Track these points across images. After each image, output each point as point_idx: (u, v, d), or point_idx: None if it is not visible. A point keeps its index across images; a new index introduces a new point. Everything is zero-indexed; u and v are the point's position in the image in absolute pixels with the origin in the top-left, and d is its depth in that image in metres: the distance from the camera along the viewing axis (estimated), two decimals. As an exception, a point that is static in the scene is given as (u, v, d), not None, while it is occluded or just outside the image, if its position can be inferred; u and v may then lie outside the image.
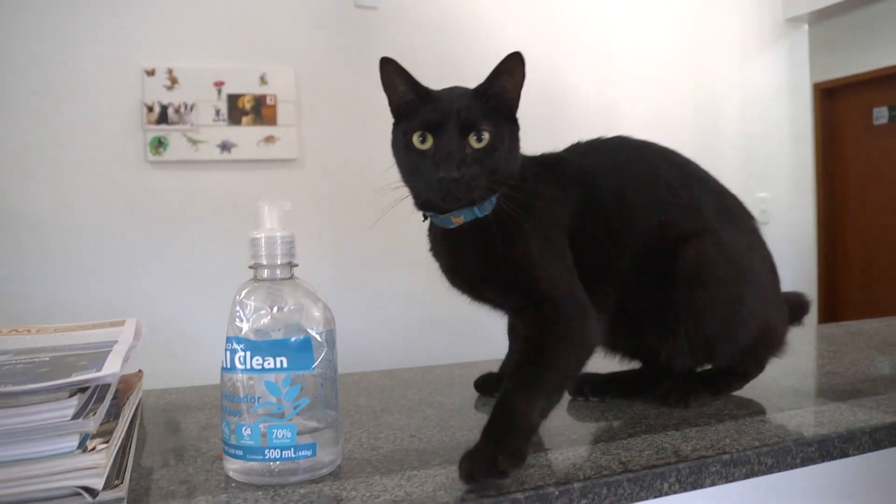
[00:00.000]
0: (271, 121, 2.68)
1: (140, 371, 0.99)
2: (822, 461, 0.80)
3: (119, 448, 0.72)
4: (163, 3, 2.55)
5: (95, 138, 2.47)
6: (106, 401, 0.71)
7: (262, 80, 2.68)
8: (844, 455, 0.81)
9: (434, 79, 0.92)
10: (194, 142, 2.58)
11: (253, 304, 0.70)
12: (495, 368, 1.04)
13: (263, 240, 0.72)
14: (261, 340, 0.69)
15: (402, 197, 0.90)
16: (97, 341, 0.82)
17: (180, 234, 2.55)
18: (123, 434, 0.76)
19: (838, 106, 4.49)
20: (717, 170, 3.65)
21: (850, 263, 4.49)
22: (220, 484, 0.69)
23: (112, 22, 2.48)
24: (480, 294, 0.92)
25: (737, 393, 0.98)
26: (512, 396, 0.74)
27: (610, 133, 2.90)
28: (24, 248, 2.37)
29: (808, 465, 0.79)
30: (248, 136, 2.65)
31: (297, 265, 0.73)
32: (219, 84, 2.61)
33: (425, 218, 0.92)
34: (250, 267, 0.72)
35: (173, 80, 2.55)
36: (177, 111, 2.55)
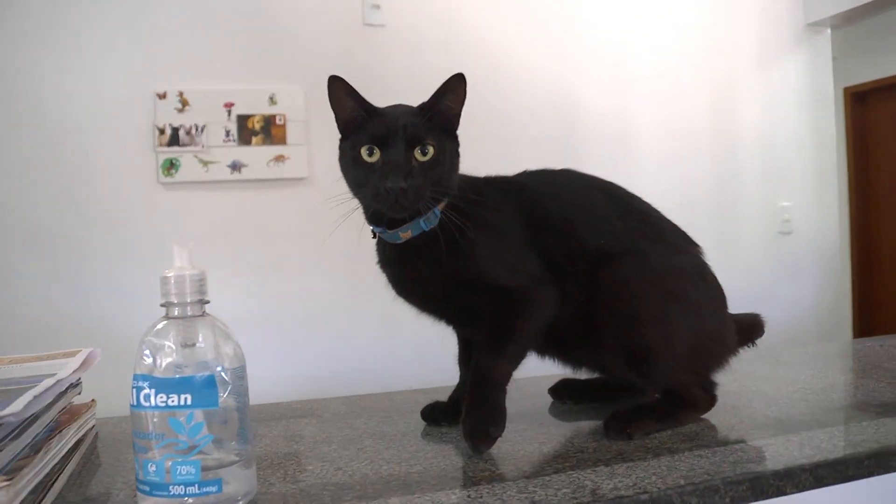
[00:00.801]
0: (281, 140, 2.71)
1: (93, 401, 1.01)
2: (755, 500, 0.77)
3: (40, 482, 0.74)
4: (173, 27, 2.61)
5: (109, 160, 2.54)
6: (24, 436, 0.73)
7: (272, 101, 2.72)
8: (781, 493, 0.78)
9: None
10: (205, 163, 2.63)
11: (161, 341, 0.71)
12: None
13: (173, 278, 0.72)
14: (166, 378, 0.69)
15: (353, 209, 0.95)
16: (33, 375, 0.84)
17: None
18: (49, 468, 0.77)
19: (870, 110, 4.35)
20: (737, 178, 3.64)
21: (886, 271, 4.33)
22: (128, 520, 0.70)
23: (125, 47, 2.55)
24: (428, 306, 0.98)
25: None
26: (488, 369, 0.89)
27: (624, 142, 2.91)
28: (35, 267, 2.44)
29: None
30: (258, 156, 2.69)
31: (208, 302, 0.74)
32: (228, 105, 2.66)
33: (375, 235, 0.97)
34: (161, 305, 0.73)
35: (184, 103, 2.61)
36: (188, 133, 2.60)
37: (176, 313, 0.72)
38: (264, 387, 1.15)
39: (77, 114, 2.50)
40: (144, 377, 0.69)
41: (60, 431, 0.83)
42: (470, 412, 0.87)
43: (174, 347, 0.71)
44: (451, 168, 0.92)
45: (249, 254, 2.66)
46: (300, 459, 0.87)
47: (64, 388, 0.85)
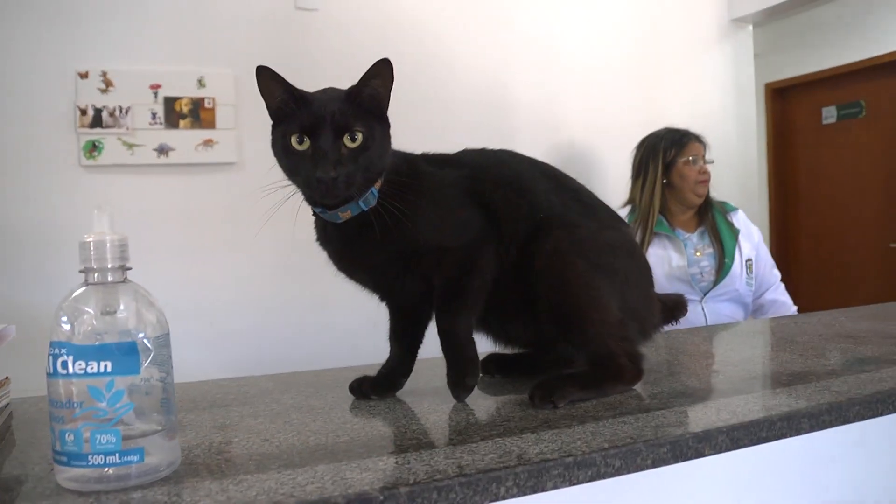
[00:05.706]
0: (210, 124, 2.65)
1: (6, 378, 0.97)
2: (676, 462, 0.79)
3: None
4: (97, 3, 2.51)
5: (27, 141, 2.42)
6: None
7: (200, 83, 2.65)
8: (700, 455, 0.81)
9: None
10: (130, 146, 2.55)
11: (80, 307, 0.69)
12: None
13: (92, 243, 0.70)
14: (85, 345, 0.67)
15: (290, 194, 0.95)
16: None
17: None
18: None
19: (789, 106, 4.54)
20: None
21: (802, 263, 4.53)
22: (45, 492, 0.67)
23: (44, 23, 2.43)
24: (371, 280, 1.01)
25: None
26: (451, 327, 0.95)
27: (553, 133, 2.91)
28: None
29: (660, 465, 0.79)
30: (185, 139, 2.61)
31: (130, 268, 0.72)
32: (155, 87, 2.58)
33: (315, 214, 0.97)
34: (80, 271, 0.70)
35: (108, 83, 2.51)
36: (111, 114, 2.51)
37: (96, 279, 0.70)
38: (192, 371, 1.14)
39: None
40: (62, 344, 0.67)
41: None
42: (449, 367, 0.96)
43: (93, 314, 0.69)
44: (382, 151, 0.93)
45: (174, 239, 2.58)
46: (226, 432, 0.85)
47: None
